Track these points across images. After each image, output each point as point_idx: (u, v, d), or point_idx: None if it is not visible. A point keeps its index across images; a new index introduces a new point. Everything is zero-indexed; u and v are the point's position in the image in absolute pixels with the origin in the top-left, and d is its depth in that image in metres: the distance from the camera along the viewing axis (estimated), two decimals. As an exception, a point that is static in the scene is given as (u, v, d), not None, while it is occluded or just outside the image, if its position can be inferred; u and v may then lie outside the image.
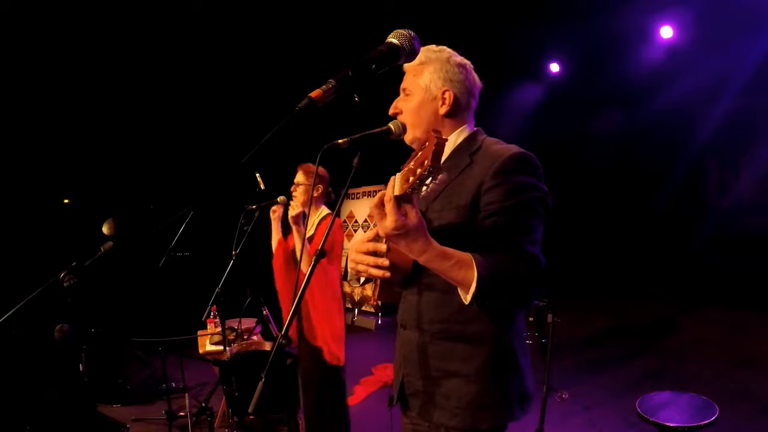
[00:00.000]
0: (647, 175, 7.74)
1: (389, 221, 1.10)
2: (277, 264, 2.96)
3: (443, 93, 1.43)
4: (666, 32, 5.89)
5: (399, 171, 1.14)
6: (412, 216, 1.12)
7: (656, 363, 4.92)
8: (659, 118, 6.96)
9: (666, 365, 4.82)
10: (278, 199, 2.92)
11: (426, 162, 1.01)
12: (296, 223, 2.74)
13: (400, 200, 1.10)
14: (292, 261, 2.84)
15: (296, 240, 2.76)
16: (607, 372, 4.76)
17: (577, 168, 7.49)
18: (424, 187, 1.07)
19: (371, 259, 1.25)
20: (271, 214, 2.90)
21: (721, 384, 4.23)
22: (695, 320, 6.20)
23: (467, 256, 1.18)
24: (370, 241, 1.30)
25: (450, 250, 1.18)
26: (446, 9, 5.44)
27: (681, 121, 7.19)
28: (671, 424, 2.43)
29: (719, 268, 6.80)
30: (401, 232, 1.12)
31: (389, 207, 1.10)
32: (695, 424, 2.40)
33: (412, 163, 1.08)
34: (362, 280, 1.47)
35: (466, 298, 1.19)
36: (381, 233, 1.15)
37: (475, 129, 1.49)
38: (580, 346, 5.61)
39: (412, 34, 1.21)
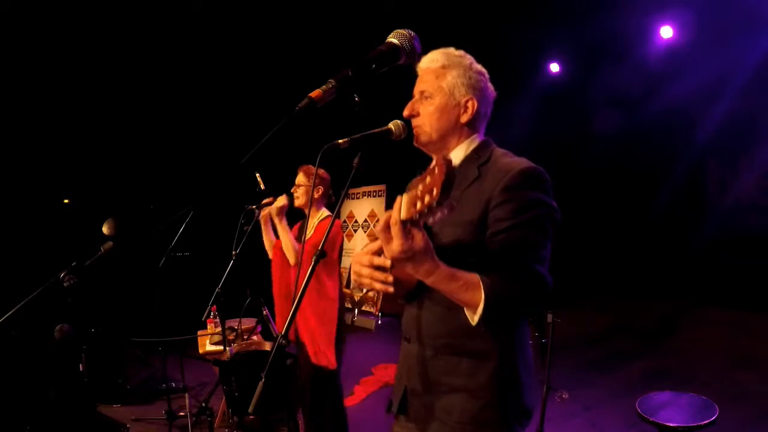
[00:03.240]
0: (647, 174, 7.73)
1: (395, 245, 1.07)
2: (276, 265, 2.96)
3: (466, 101, 1.40)
4: (666, 32, 5.89)
5: (406, 191, 1.10)
6: (419, 239, 1.09)
7: (656, 363, 4.91)
8: (659, 119, 6.95)
9: (666, 365, 4.82)
10: (278, 199, 2.92)
11: (435, 191, 0.96)
12: (279, 215, 2.75)
13: (406, 223, 1.07)
14: (287, 261, 2.83)
15: (281, 234, 2.76)
16: (607, 372, 4.76)
17: (577, 168, 7.48)
18: (431, 217, 1.01)
19: (376, 274, 1.23)
20: (260, 219, 2.90)
21: (721, 384, 4.23)
22: (695, 320, 6.19)
23: (474, 277, 1.17)
24: (374, 253, 1.27)
25: (458, 272, 1.16)
26: (446, 9, 5.43)
27: (681, 121, 7.18)
28: (671, 424, 2.43)
29: (719, 268, 6.79)
30: (408, 256, 1.09)
31: (395, 230, 1.06)
32: (695, 424, 2.40)
33: (420, 187, 1.02)
34: (365, 289, 1.47)
35: (474, 319, 1.18)
36: (387, 256, 1.13)
37: (484, 138, 1.46)
38: (580, 346, 5.60)
39: (412, 33, 1.21)
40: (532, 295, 1.20)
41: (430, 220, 1.02)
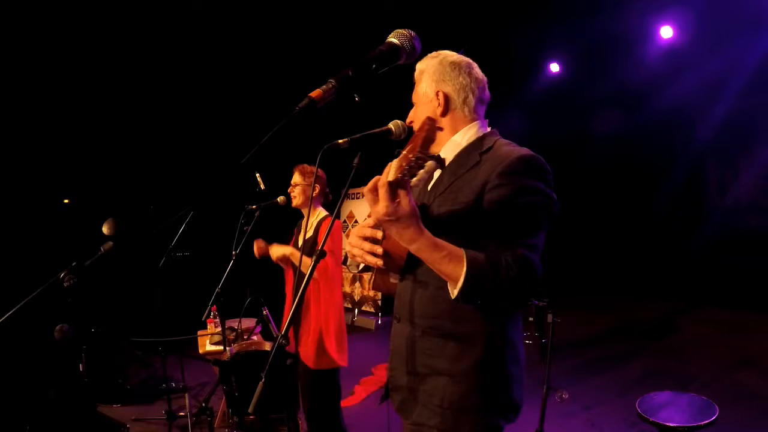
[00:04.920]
0: (647, 174, 7.74)
1: (381, 206, 1.11)
2: (289, 277, 2.97)
3: (436, 94, 1.45)
4: (666, 32, 5.89)
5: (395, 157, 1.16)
6: (405, 203, 1.11)
7: (656, 363, 4.92)
8: (659, 118, 6.96)
9: (666, 365, 4.82)
10: (278, 199, 2.92)
11: (416, 148, 1.05)
12: (285, 262, 2.81)
13: (393, 186, 1.10)
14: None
15: (293, 260, 2.76)
16: (607, 372, 4.76)
17: (577, 168, 7.49)
18: (414, 176, 1.10)
19: (366, 245, 1.26)
20: (258, 255, 2.89)
21: (721, 384, 4.23)
22: (695, 320, 6.20)
23: (459, 250, 1.17)
24: (369, 227, 1.30)
25: (442, 242, 1.18)
26: (446, 9, 5.43)
27: (681, 121, 7.19)
28: (671, 424, 2.43)
29: (719, 267, 6.80)
30: (392, 218, 1.12)
31: (382, 192, 1.10)
32: (695, 424, 2.40)
33: (405, 150, 1.10)
34: (361, 266, 1.48)
35: (453, 292, 1.18)
36: (372, 218, 1.16)
37: (489, 129, 1.48)
38: (580, 346, 5.61)
39: (413, 33, 1.21)
40: (516, 278, 1.16)
41: (414, 180, 1.09)
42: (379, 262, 1.25)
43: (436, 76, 1.45)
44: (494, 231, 1.25)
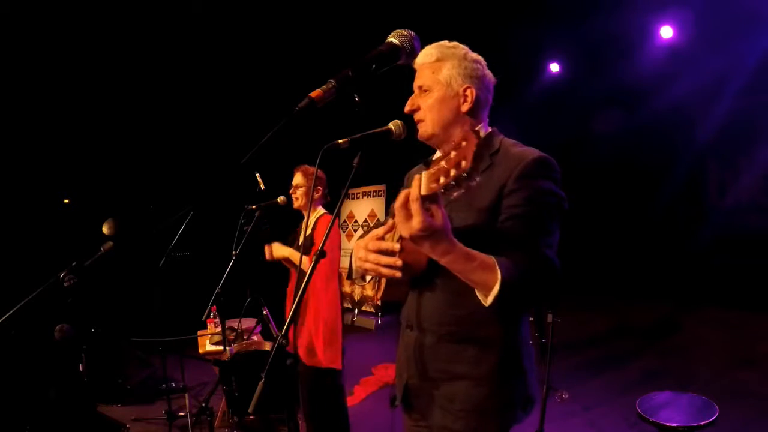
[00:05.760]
0: (647, 174, 7.73)
1: (416, 222, 1.05)
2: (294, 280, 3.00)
3: (465, 90, 1.40)
4: (666, 32, 5.89)
5: (426, 169, 1.08)
6: (439, 217, 1.08)
7: (656, 363, 4.91)
8: (659, 119, 6.95)
9: (666, 365, 4.82)
10: (278, 199, 2.92)
11: (464, 163, 0.95)
12: (278, 254, 2.87)
13: (425, 200, 1.05)
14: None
15: (291, 258, 2.83)
16: (607, 372, 4.76)
17: (577, 168, 7.46)
18: (456, 190, 1.00)
19: (383, 259, 1.22)
20: (268, 257, 2.95)
21: (721, 384, 4.23)
22: (695, 320, 6.19)
23: (490, 259, 1.17)
24: (379, 239, 1.27)
25: (474, 252, 1.16)
26: (446, 9, 5.43)
27: (681, 121, 7.18)
28: (671, 424, 2.43)
29: (719, 267, 6.79)
30: (427, 233, 1.07)
31: (415, 207, 1.05)
32: (695, 424, 2.40)
33: (444, 162, 1.00)
34: (368, 278, 1.44)
35: (487, 300, 1.17)
36: (405, 234, 1.10)
37: (492, 129, 1.46)
38: (580, 346, 5.61)
39: (412, 34, 1.22)
40: (543, 278, 1.21)
41: (455, 194, 1.00)
42: (398, 274, 1.21)
43: (462, 70, 1.40)
44: (516, 234, 1.26)
